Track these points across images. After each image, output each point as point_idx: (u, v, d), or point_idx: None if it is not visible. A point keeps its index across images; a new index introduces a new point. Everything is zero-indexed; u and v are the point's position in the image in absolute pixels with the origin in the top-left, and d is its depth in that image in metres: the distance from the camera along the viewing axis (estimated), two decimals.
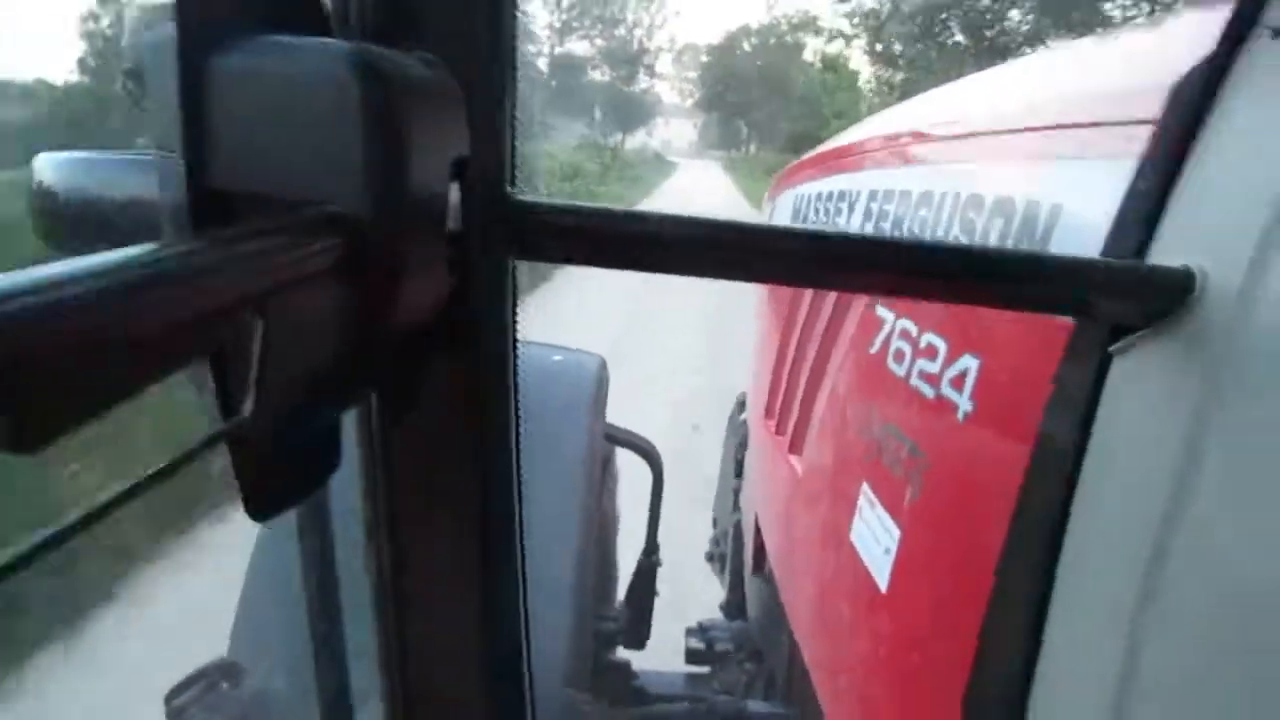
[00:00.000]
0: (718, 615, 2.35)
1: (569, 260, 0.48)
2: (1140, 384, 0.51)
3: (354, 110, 0.34)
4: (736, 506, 2.32)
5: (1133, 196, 0.55)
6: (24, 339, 0.20)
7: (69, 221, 0.60)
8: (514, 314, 0.48)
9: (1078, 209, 0.65)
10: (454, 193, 0.40)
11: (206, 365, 0.35)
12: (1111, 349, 0.52)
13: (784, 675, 1.63)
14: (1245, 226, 0.46)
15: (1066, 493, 0.56)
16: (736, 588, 2.28)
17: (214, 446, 0.33)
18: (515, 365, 0.48)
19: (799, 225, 1.52)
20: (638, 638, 2.02)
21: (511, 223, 0.43)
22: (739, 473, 2.32)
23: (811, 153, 1.75)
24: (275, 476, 0.38)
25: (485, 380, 0.46)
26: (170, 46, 0.33)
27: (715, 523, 2.76)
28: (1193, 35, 0.54)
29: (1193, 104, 0.51)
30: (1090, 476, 0.55)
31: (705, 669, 2.06)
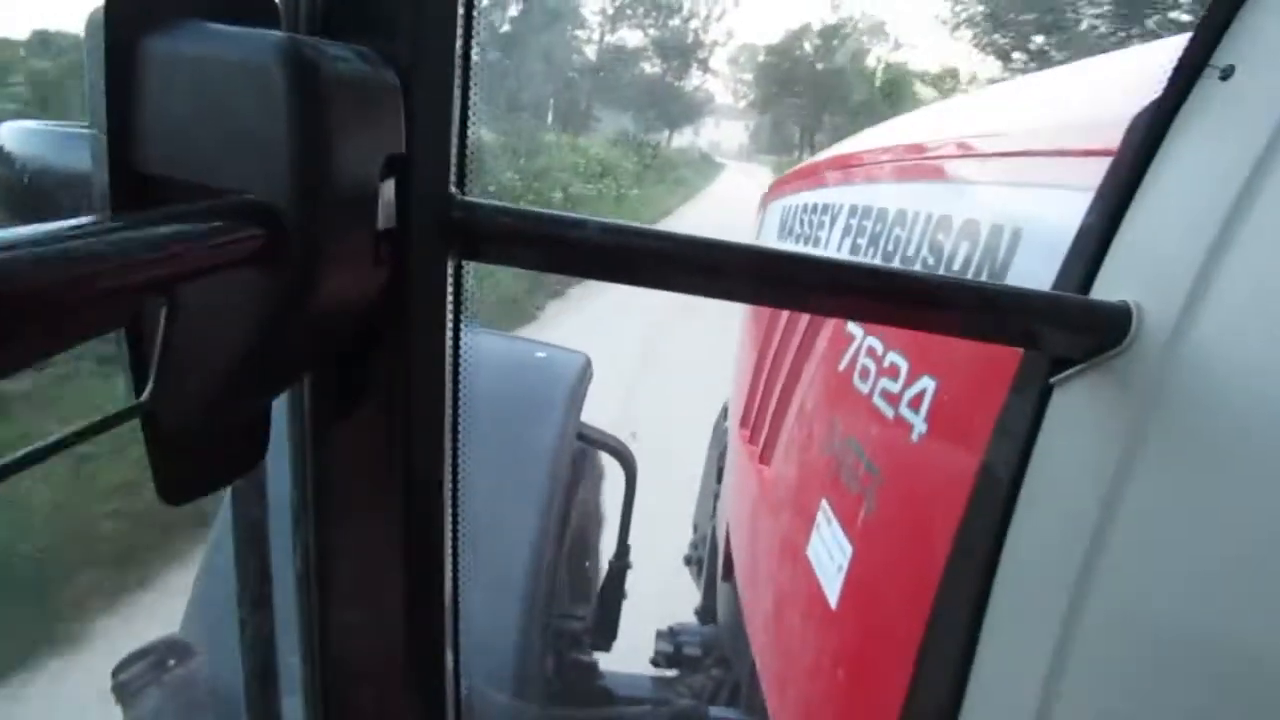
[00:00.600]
0: (691, 619, 2.35)
1: (511, 263, 0.48)
2: (1077, 415, 0.52)
3: (279, 100, 0.34)
4: (715, 512, 2.32)
5: (1083, 229, 0.55)
6: None
7: (22, 190, 0.61)
8: (458, 313, 0.48)
9: (1037, 235, 0.65)
10: (389, 190, 0.40)
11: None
12: (1052, 380, 0.52)
13: (747, 683, 1.63)
14: (1182, 265, 0.46)
15: (1004, 518, 0.56)
16: (710, 593, 2.28)
17: (121, 423, 0.33)
18: (455, 363, 0.48)
19: (788, 240, 1.52)
20: (605, 639, 2.02)
21: (452, 223, 0.43)
22: (720, 478, 2.33)
23: (802, 164, 1.75)
24: (191, 461, 0.38)
25: (418, 377, 0.46)
26: (97, 26, 0.34)
27: (695, 527, 2.77)
28: (1154, 70, 0.55)
29: (1144, 140, 0.51)
30: (1025, 504, 0.55)
31: (672, 672, 2.06)
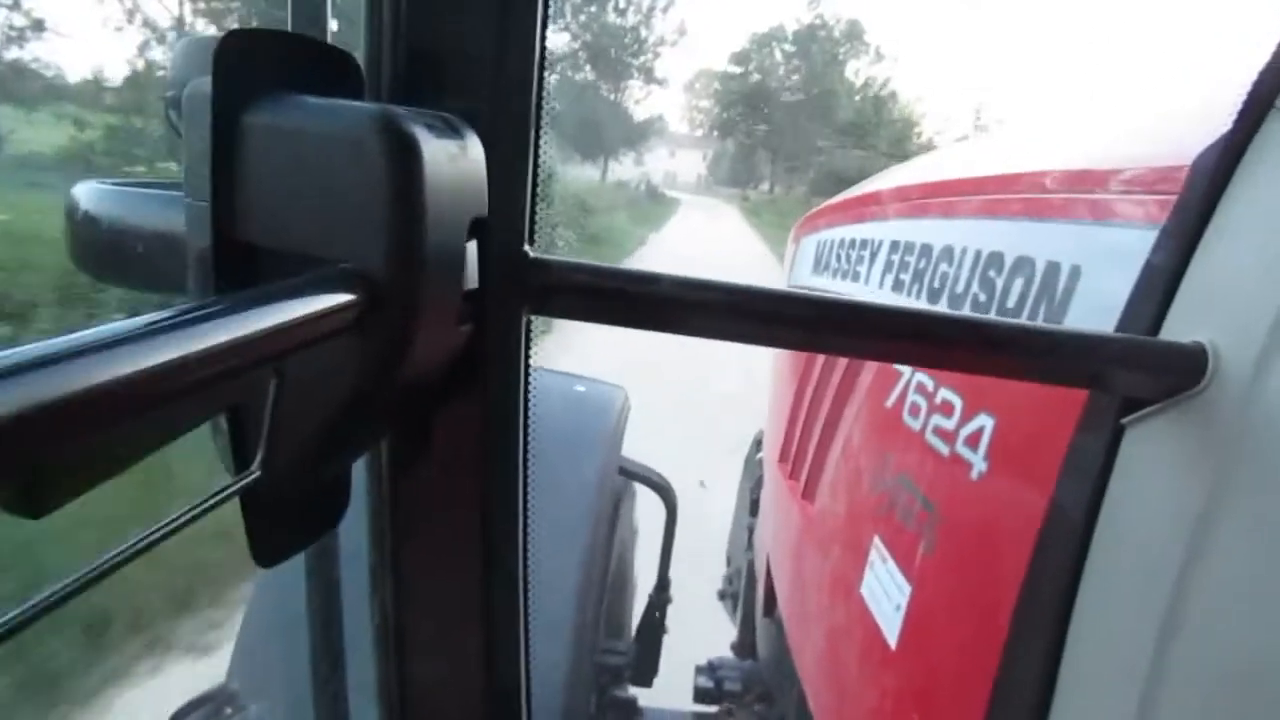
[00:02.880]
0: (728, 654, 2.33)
1: (581, 317, 0.48)
2: (1152, 456, 0.51)
3: (376, 171, 0.35)
4: (750, 545, 2.30)
5: (1150, 268, 0.55)
6: (41, 411, 0.20)
7: (102, 250, 0.62)
8: (527, 366, 0.48)
9: (1097, 274, 0.65)
10: (471, 250, 0.41)
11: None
12: (1124, 420, 0.52)
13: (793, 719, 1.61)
14: (1259, 305, 0.45)
15: (1078, 561, 0.56)
16: (748, 628, 2.25)
17: (233, 496, 0.34)
18: (526, 416, 0.49)
19: (825, 275, 1.52)
20: (645, 674, 2.00)
21: (527, 280, 0.44)
22: (754, 511, 2.31)
23: (838, 197, 1.76)
24: (283, 525, 0.38)
25: (494, 430, 0.46)
26: (201, 99, 0.35)
27: (729, 561, 2.74)
28: (1214, 108, 0.55)
29: (1211, 180, 0.51)
30: (1101, 546, 0.54)
31: (713, 709, 2.03)
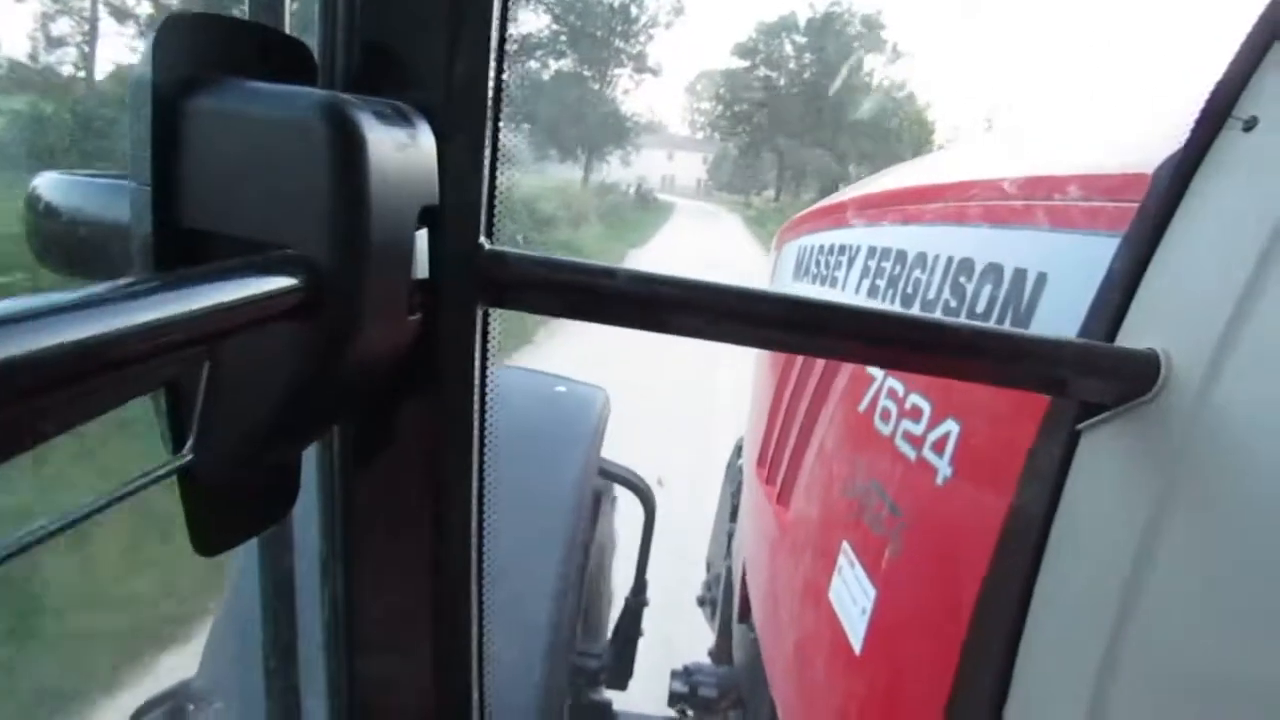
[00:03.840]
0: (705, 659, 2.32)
1: (538, 311, 0.48)
2: (1106, 461, 0.51)
3: (321, 156, 0.34)
4: (730, 551, 2.30)
5: (1110, 275, 0.55)
6: None
7: (62, 242, 0.61)
8: (484, 359, 0.48)
9: (1063, 281, 0.65)
10: (421, 240, 0.41)
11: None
12: (1080, 426, 0.52)
13: None
14: (1211, 313, 0.46)
15: (1034, 563, 0.56)
16: (725, 633, 2.25)
17: (163, 479, 0.33)
18: (483, 411, 0.49)
19: (804, 281, 1.53)
20: (620, 678, 2.00)
21: (481, 273, 0.44)
22: (734, 516, 2.31)
23: (819, 204, 1.76)
24: (225, 512, 0.38)
25: (447, 424, 0.46)
26: (143, 83, 0.34)
27: (709, 567, 2.74)
28: (1175, 116, 0.55)
29: (1169, 189, 0.51)
30: (1056, 549, 0.55)
31: (689, 713, 2.03)
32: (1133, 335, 0.52)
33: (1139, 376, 0.48)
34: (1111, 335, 0.53)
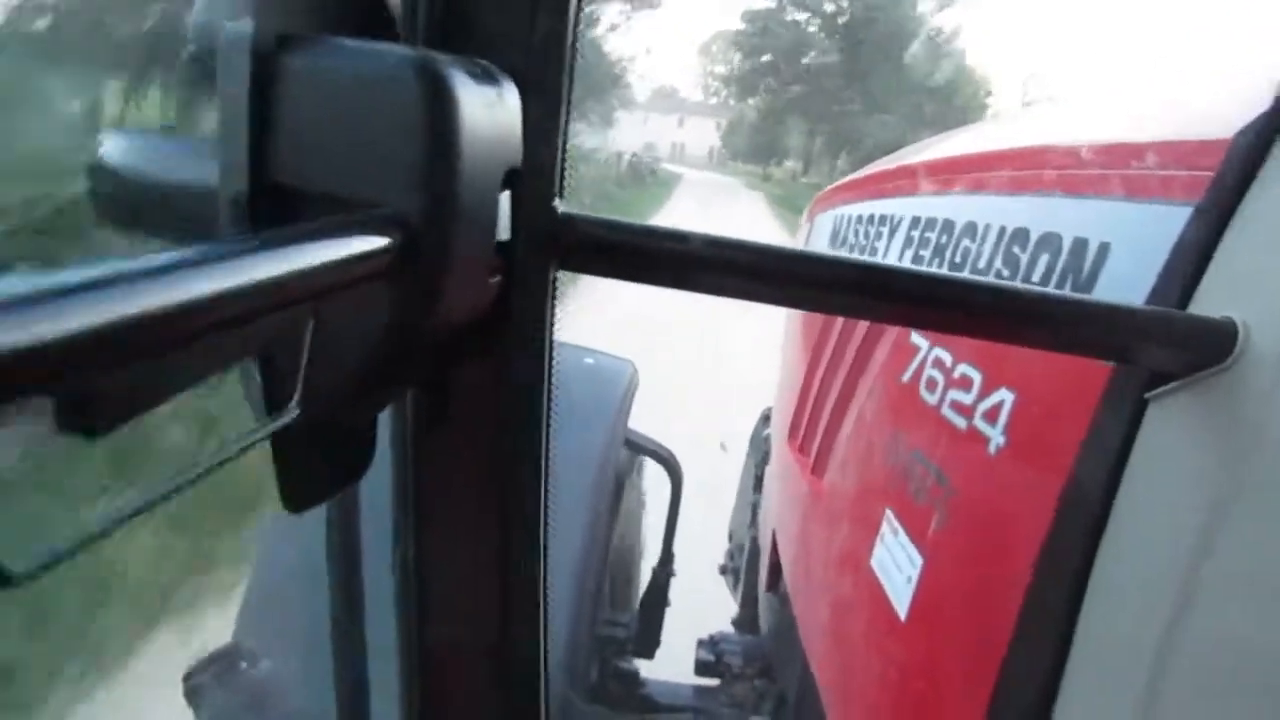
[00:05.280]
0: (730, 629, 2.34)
1: (609, 274, 0.48)
2: (1175, 433, 0.51)
3: (414, 114, 0.34)
4: (754, 521, 2.31)
5: (1181, 244, 0.54)
6: (87, 332, 0.20)
7: (128, 203, 0.62)
8: (552, 324, 0.48)
9: (1127, 251, 0.64)
10: (504, 202, 0.41)
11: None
12: (1148, 395, 0.52)
13: (795, 695, 1.62)
14: None
15: (1095, 536, 0.55)
16: (750, 603, 2.27)
17: (268, 436, 0.34)
18: (551, 373, 0.49)
19: (842, 251, 1.51)
20: (647, 646, 2.02)
21: (557, 235, 0.44)
22: (758, 487, 2.32)
23: (855, 174, 1.74)
24: (313, 471, 0.38)
25: (520, 386, 0.46)
26: (240, 42, 0.34)
27: (731, 536, 2.75)
28: (1250, 89, 0.54)
29: (1247, 158, 0.50)
30: (1118, 522, 0.54)
31: (715, 681, 2.05)
32: (1206, 305, 0.51)
33: (1214, 346, 0.47)
34: (1183, 306, 0.53)
